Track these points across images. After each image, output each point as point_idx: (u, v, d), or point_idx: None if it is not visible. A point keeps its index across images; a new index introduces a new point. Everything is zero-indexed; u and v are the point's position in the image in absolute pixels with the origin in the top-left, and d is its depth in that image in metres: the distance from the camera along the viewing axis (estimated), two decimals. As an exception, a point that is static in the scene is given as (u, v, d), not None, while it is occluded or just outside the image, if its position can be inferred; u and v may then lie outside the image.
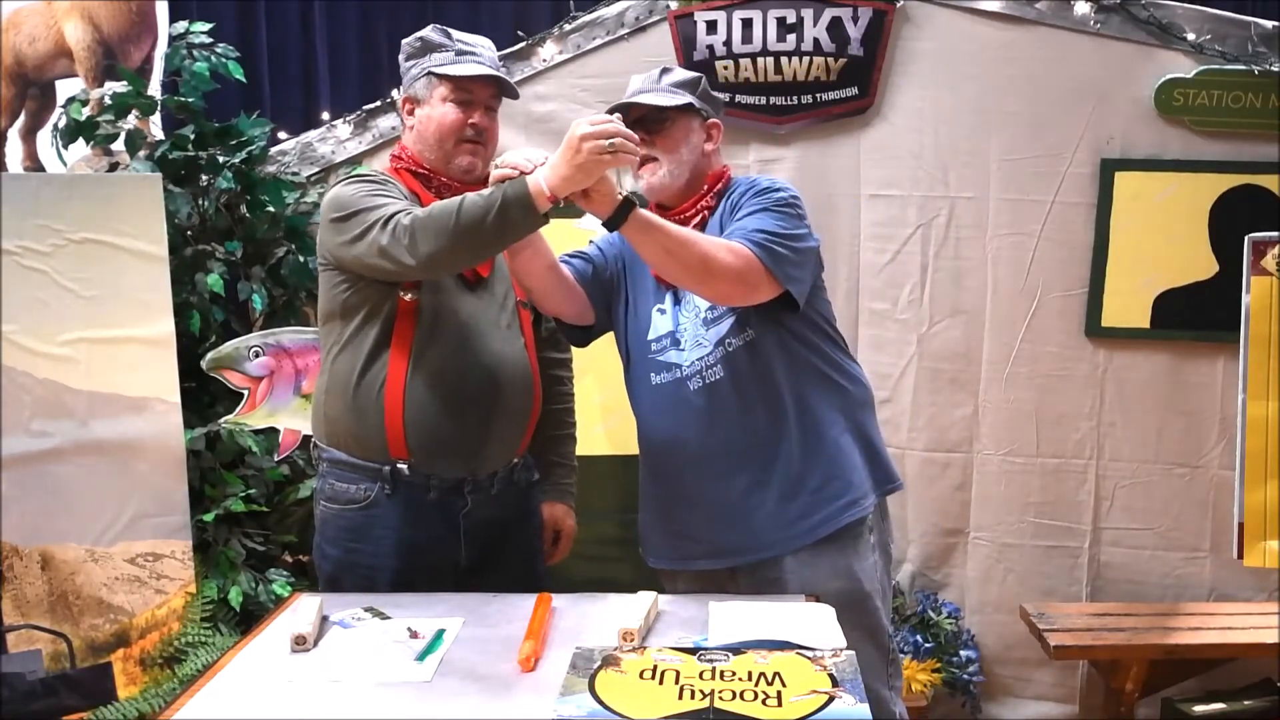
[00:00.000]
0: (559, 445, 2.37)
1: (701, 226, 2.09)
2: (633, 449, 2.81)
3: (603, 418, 2.97)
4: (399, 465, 2.06)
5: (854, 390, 2.14)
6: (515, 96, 2.17)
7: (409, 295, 2.03)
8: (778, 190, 2.07)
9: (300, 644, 1.76)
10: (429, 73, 2.08)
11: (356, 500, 2.10)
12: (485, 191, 1.85)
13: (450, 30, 2.12)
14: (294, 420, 2.83)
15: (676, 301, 2.11)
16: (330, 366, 2.12)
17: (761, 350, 2.05)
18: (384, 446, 2.06)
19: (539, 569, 2.27)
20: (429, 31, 2.11)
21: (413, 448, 2.05)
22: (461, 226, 1.83)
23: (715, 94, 2.19)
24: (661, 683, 1.59)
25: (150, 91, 3.16)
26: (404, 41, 2.15)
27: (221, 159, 2.92)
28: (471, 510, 2.12)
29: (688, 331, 2.08)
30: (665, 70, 2.14)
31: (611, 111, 2.04)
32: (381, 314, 2.04)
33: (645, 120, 2.06)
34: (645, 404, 2.15)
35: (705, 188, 2.13)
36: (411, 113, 2.13)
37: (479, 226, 1.82)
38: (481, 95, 2.08)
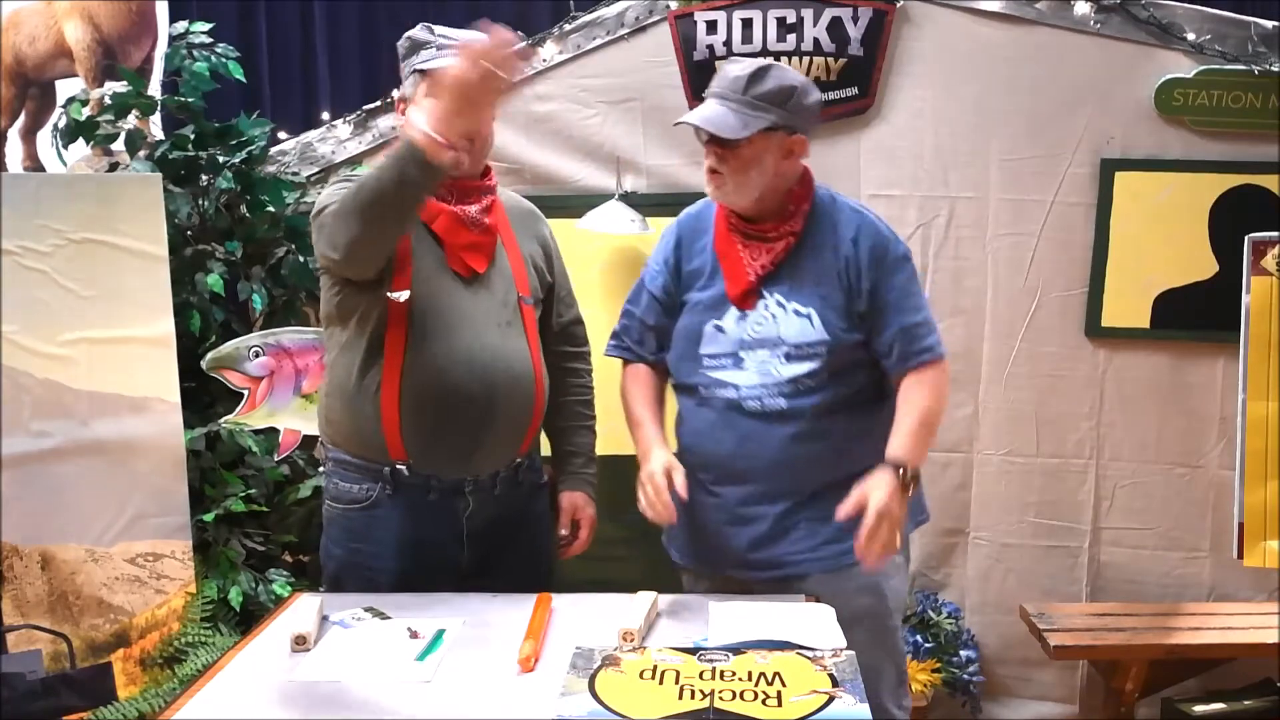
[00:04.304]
0: (572, 436, 2.33)
1: (785, 253, 2.03)
2: (631, 449, 2.78)
3: (604, 416, 2.97)
4: (398, 466, 2.06)
5: None
6: None
7: (401, 296, 2.02)
8: (900, 254, 2.05)
9: (300, 644, 1.76)
10: (414, 71, 2.07)
11: (359, 500, 2.10)
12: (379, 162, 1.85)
13: (435, 27, 2.08)
14: (294, 420, 2.83)
15: (743, 317, 2.05)
16: (330, 370, 2.13)
17: (832, 394, 2.01)
18: (383, 448, 2.05)
19: (545, 571, 2.23)
20: (416, 30, 2.09)
21: (410, 449, 2.05)
22: (363, 202, 1.82)
23: (812, 101, 2.02)
24: (661, 683, 1.59)
25: (150, 91, 3.16)
26: (398, 44, 2.14)
27: (221, 159, 2.92)
28: (474, 511, 2.11)
29: (757, 357, 2.03)
30: (759, 73, 1.96)
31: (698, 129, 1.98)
32: (374, 316, 2.03)
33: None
34: (689, 412, 2.13)
35: (790, 208, 2.04)
36: (404, 113, 2.12)
37: (378, 195, 1.81)
38: None
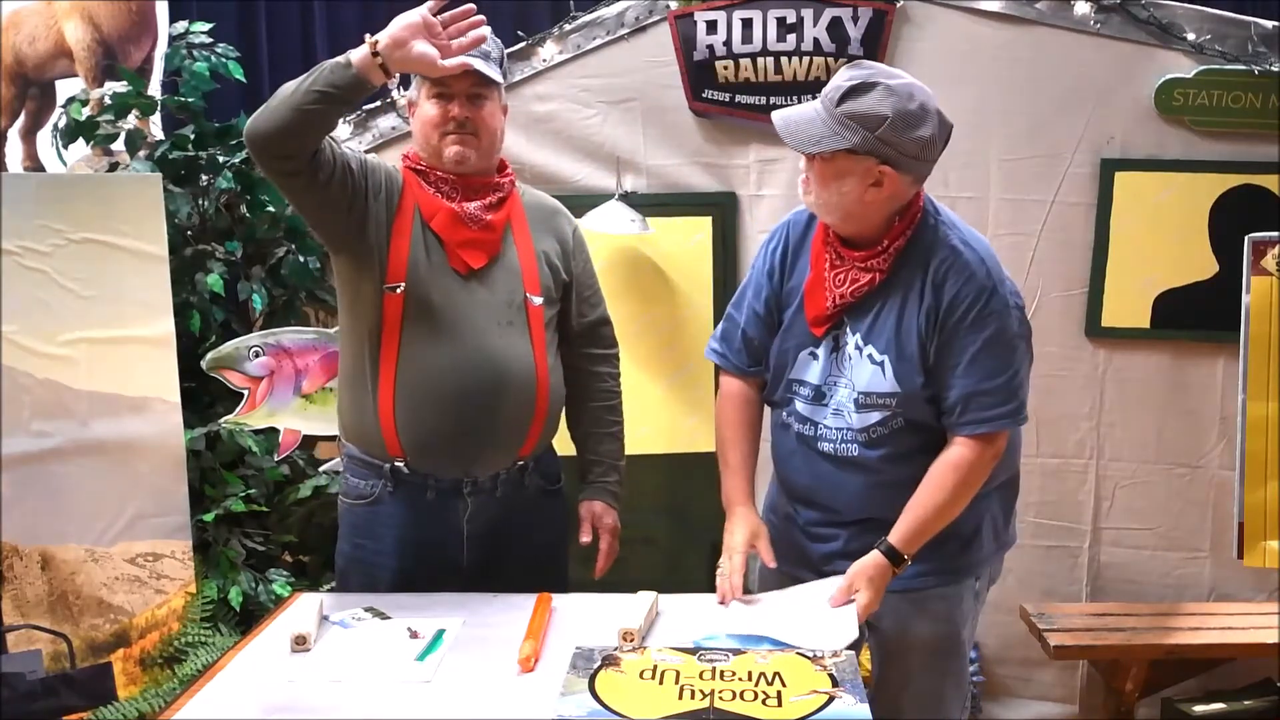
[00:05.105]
0: (596, 444, 2.29)
1: (869, 288, 1.91)
2: (639, 448, 2.79)
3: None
4: (397, 464, 2.07)
5: (996, 471, 1.99)
6: (495, 83, 2.08)
7: (398, 289, 2.02)
8: (989, 310, 1.87)
9: (300, 644, 1.76)
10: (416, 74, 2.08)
11: (365, 496, 2.11)
12: None
13: None
14: (294, 420, 2.83)
15: (834, 349, 1.96)
16: (339, 362, 2.17)
17: (906, 443, 1.94)
18: (382, 444, 2.06)
19: (553, 577, 2.17)
20: None
21: (405, 446, 2.05)
22: (283, 92, 1.86)
23: (911, 136, 1.80)
24: (661, 683, 1.59)
25: (150, 91, 3.17)
26: None
27: (221, 159, 2.92)
28: (474, 513, 2.10)
29: (837, 397, 1.96)
30: (858, 89, 1.80)
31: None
32: (371, 307, 2.04)
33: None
34: (774, 431, 2.10)
35: (884, 243, 1.89)
36: (413, 114, 2.14)
37: (296, 87, 1.84)
38: (459, 86, 2.03)
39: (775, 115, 1.91)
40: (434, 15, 1.86)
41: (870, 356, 1.92)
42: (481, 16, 1.90)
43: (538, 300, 2.12)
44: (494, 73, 2.05)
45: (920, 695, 2.04)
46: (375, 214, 2.03)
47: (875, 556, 1.88)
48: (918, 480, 1.91)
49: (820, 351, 1.98)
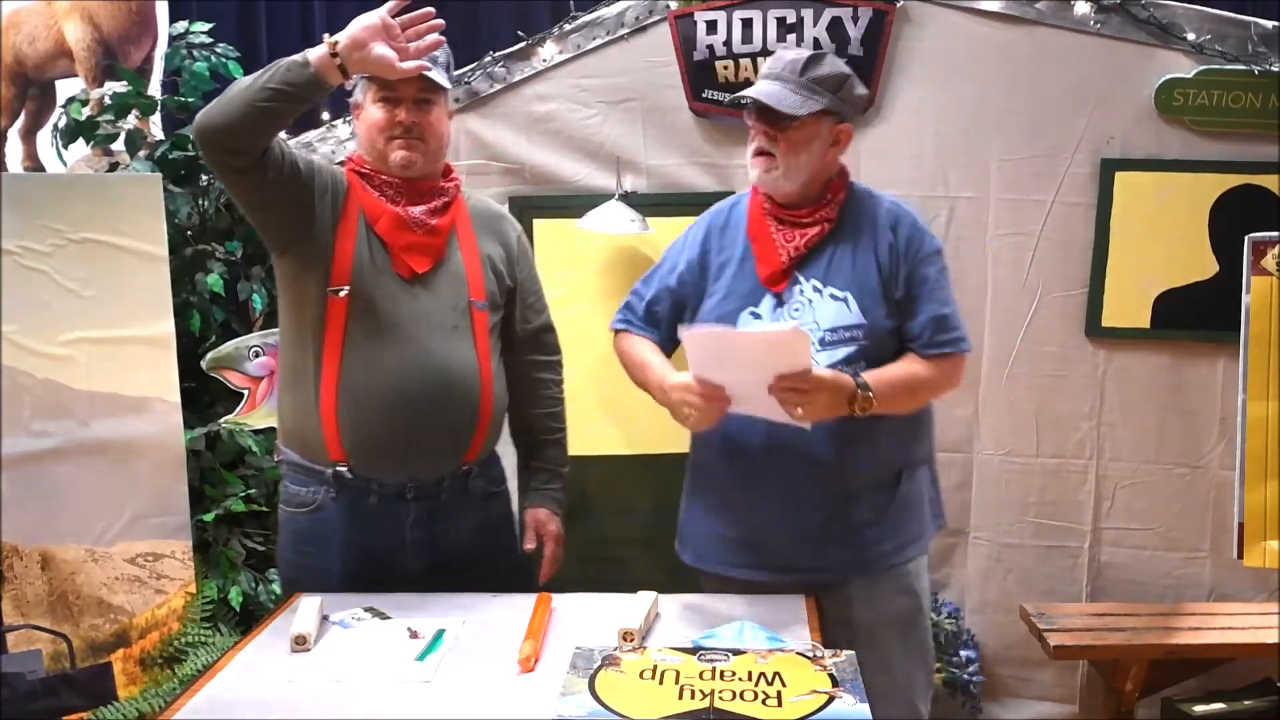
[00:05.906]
0: (541, 450, 2.29)
1: (819, 238, 2.03)
2: (629, 449, 2.79)
3: (601, 416, 2.97)
4: (339, 468, 2.04)
5: (921, 444, 2.13)
6: (443, 88, 2.07)
7: (341, 292, 2.01)
8: (935, 248, 2.07)
9: (300, 644, 1.77)
10: (362, 77, 2.06)
11: (306, 504, 2.08)
12: None
13: None
14: (294, 420, 2.83)
15: (779, 304, 2.02)
16: (279, 365, 2.14)
17: None
18: (323, 448, 2.03)
19: (500, 580, 2.12)
20: None
21: (348, 450, 2.02)
22: (236, 87, 1.87)
23: (859, 93, 2.08)
24: (661, 683, 1.59)
25: (150, 91, 3.17)
26: None
27: (221, 159, 2.92)
28: (418, 518, 2.08)
29: None
30: (816, 58, 2.01)
31: (742, 102, 2.01)
32: (314, 310, 2.02)
33: (773, 113, 1.98)
34: None
35: (827, 196, 2.06)
36: (359, 118, 2.12)
37: (251, 83, 1.85)
38: (407, 91, 2.02)
39: (749, 93, 2.00)
40: (393, 17, 1.85)
41: (832, 295, 2.01)
42: (440, 21, 1.89)
43: (482, 305, 2.11)
44: (442, 78, 2.04)
45: (894, 675, 2.04)
46: (321, 216, 2.02)
47: (844, 374, 1.90)
48: (879, 428, 1.97)
49: (763, 310, 2.04)
